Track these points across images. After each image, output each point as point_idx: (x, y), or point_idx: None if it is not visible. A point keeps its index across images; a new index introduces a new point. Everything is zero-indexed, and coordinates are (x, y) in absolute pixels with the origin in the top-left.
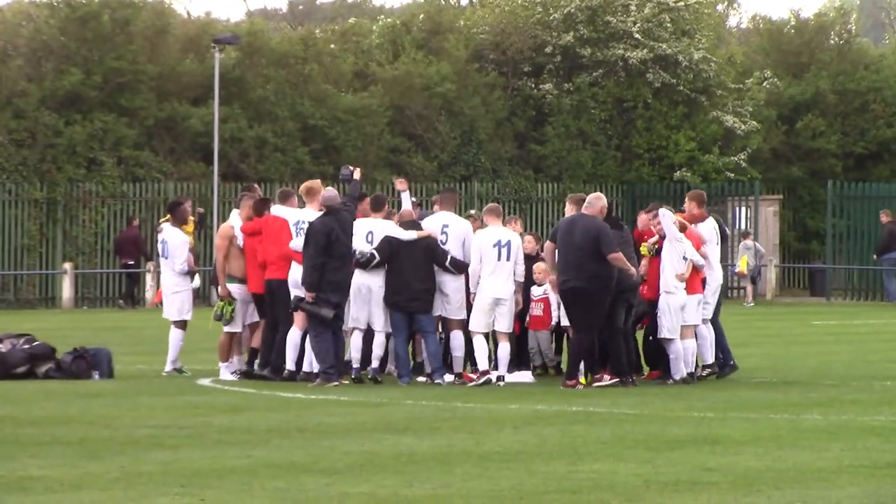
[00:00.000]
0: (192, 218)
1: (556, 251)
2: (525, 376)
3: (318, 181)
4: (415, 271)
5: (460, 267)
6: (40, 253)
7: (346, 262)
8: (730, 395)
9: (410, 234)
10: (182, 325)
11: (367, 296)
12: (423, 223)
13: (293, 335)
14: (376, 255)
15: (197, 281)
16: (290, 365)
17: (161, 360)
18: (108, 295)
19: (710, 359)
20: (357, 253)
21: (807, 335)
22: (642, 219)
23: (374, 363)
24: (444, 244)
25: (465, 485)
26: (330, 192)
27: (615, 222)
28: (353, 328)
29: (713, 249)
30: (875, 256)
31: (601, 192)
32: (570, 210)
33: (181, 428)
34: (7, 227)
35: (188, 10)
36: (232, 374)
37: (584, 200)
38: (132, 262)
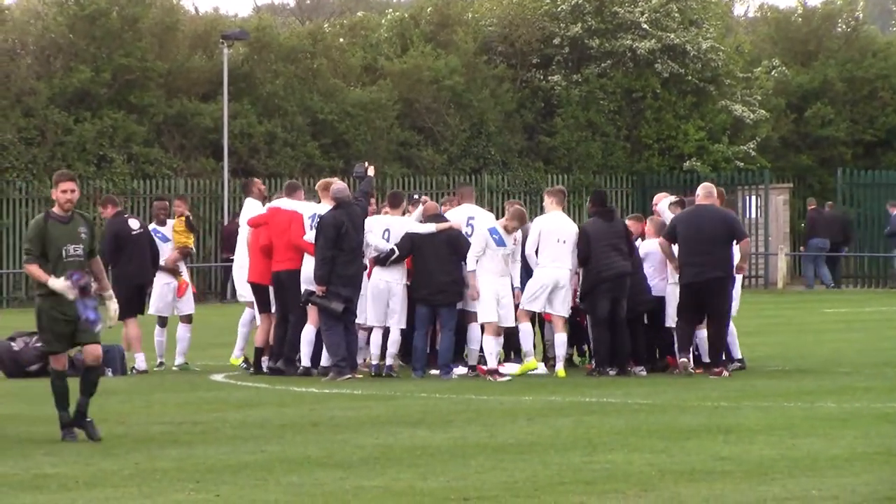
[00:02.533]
0: (186, 216)
1: (679, 247)
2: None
3: (337, 179)
4: (439, 264)
5: None
6: None
7: (356, 256)
8: (743, 383)
9: (430, 227)
10: (188, 319)
11: (385, 293)
12: (447, 216)
13: (308, 332)
14: (396, 250)
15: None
16: (305, 361)
17: (172, 357)
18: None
19: (737, 354)
20: (374, 249)
21: (819, 323)
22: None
23: (389, 360)
24: (469, 236)
25: (480, 477)
26: (340, 185)
27: (608, 213)
28: (372, 326)
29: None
30: (802, 249)
31: (611, 183)
32: (549, 204)
33: (195, 424)
34: (17, 226)
35: (196, 6)
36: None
37: (563, 193)
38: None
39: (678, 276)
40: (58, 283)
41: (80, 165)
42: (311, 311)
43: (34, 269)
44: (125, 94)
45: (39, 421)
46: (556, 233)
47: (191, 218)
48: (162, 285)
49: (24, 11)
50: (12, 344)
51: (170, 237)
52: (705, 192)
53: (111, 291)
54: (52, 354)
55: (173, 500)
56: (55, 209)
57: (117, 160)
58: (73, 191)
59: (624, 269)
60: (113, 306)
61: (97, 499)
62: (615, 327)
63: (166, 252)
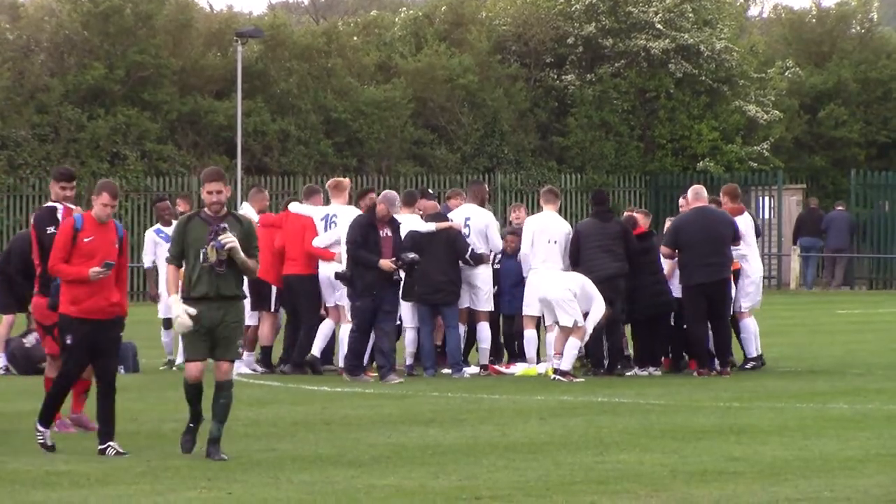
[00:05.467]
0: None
1: (685, 249)
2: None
3: (347, 179)
4: (436, 263)
5: (478, 260)
6: None
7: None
8: (755, 384)
9: (430, 227)
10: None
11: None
12: (450, 216)
13: (325, 326)
14: (418, 257)
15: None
16: (315, 351)
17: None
18: (133, 289)
19: (754, 352)
20: (404, 256)
21: (832, 324)
22: None
23: (409, 360)
24: (466, 237)
25: (492, 476)
26: (386, 193)
27: (604, 214)
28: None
29: (751, 244)
30: (794, 245)
31: (624, 182)
32: (543, 204)
33: (207, 422)
34: (30, 222)
35: (211, 3)
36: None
37: (553, 193)
38: None
39: (687, 277)
40: (175, 308)
41: (93, 162)
42: (333, 311)
43: (168, 275)
44: (139, 91)
45: None
46: (547, 233)
47: None
48: None
49: (38, 8)
50: (24, 341)
51: None
52: (695, 194)
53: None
54: (187, 362)
55: (185, 497)
56: (206, 208)
57: (131, 157)
58: (219, 192)
59: (615, 270)
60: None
61: (109, 496)
62: (610, 327)
63: None
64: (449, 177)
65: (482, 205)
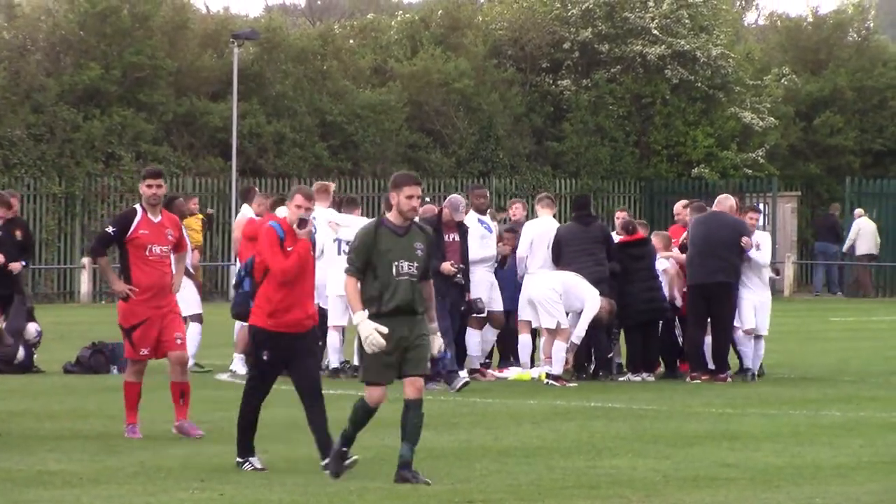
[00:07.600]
0: (200, 216)
1: (689, 249)
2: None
3: (332, 183)
4: None
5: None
6: (58, 247)
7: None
8: (748, 391)
9: None
10: (196, 318)
11: None
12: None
13: (333, 339)
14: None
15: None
16: (333, 363)
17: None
18: None
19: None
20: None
21: (825, 331)
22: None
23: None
24: None
25: (485, 480)
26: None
27: (585, 218)
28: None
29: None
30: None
31: (619, 188)
32: (539, 210)
33: (200, 423)
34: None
35: (207, 5)
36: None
37: (549, 198)
38: None
39: (688, 277)
40: (365, 326)
41: (88, 162)
42: (333, 312)
43: (350, 287)
44: (135, 91)
45: (44, 417)
46: (546, 238)
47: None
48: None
49: (34, 8)
50: None
51: None
52: (719, 201)
53: (436, 324)
54: (371, 386)
55: (177, 498)
56: (391, 216)
57: (126, 158)
58: (419, 197)
59: (598, 274)
60: (437, 342)
61: (101, 496)
62: (593, 331)
63: None
64: (444, 181)
65: (478, 211)
